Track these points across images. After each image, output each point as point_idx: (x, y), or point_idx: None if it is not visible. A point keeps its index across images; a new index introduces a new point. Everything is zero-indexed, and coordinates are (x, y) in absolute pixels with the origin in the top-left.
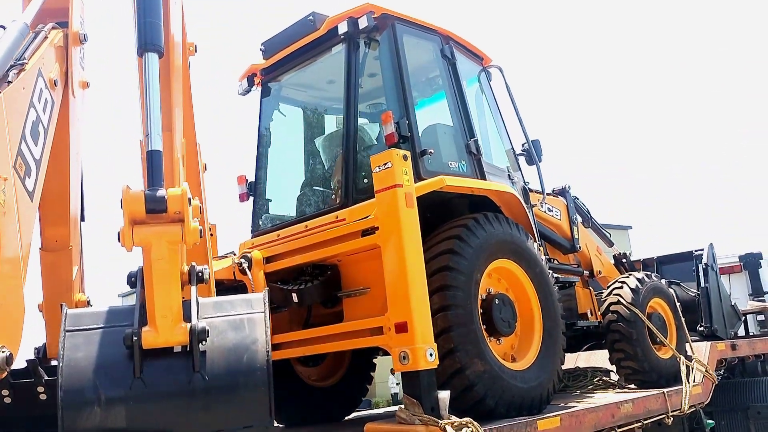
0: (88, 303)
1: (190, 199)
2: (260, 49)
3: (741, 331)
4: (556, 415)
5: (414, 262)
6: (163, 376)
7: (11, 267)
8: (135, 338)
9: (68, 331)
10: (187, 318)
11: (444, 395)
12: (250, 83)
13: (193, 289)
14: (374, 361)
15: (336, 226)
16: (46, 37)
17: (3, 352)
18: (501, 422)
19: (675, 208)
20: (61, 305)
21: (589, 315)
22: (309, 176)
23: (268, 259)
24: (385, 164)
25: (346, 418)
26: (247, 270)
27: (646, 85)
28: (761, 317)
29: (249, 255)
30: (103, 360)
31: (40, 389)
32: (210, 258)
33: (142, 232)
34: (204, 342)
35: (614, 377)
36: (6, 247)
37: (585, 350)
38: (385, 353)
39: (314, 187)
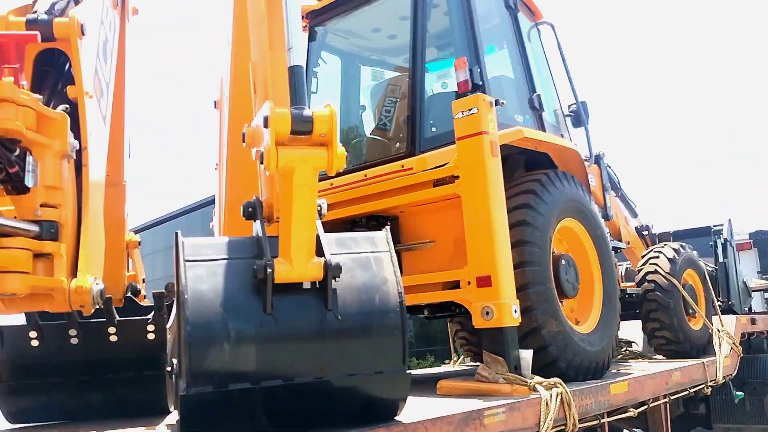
0: (139, 243)
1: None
2: None
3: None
4: (624, 380)
5: (498, 213)
6: (294, 314)
7: (97, 197)
8: (269, 270)
9: (188, 261)
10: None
11: (527, 354)
12: None
13: (318, 222)
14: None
15: (402, 176)
16: None
17: (97, 284)
18: (579, 384)
19: (670, 184)
20: (176, 233)
21: None
22: (361, 125)
23: None
24: (470, 110)
25: None
26: None
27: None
28: None
29: None
30: (230, 293)
31: (111, 330)
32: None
33: (288, 154)
34: (336, 279)
35: (636, 348)
36: (93, 175)
37: None
38: (432, 312)
39: (370, 136)
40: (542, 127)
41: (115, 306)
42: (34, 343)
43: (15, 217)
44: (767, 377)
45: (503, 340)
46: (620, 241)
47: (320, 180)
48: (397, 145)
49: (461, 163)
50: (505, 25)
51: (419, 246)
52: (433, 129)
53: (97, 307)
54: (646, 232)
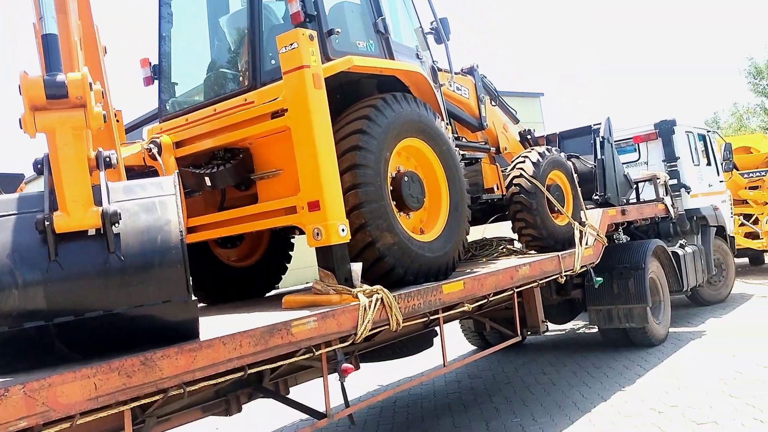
0: None
1: (91, 84)
2: None
3: (634, 198)
4: (459, 280)
5: (324, 142)
6: (78, 258)
7: None
8: (47, 223)
9: None
10: (99, 203)
11: (356, 267)
12: None
13: (102, 174)
14: (292, 241)
15: (245, 109)
16: None
17: None
18: (409, 288)
19: (589, 76)
20: None
21: (496, 189)
22: (215, 58)
23: (177, 144)
24: (291, 44)
25: (267, 294)
26: (156, 155)
27: None
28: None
29: (158, 140)
30: (17, 245)
31: None
32: (117, 143)
33: (45, 118)
34: (117, 224)
35: (518, 245)
36: None
37: (492, 222)
38: (302, 232)
39: (221, 70)
40: (389, 51)
41: None
42: None
43: None
44: (632, 262)
45: (332, 257)
46: (498, 147)
47: (175, 117)
48: (241, 79)
49: (288, 96)
50: None
51: (269, 175)
52: (273, 61)
53: None
54: (529, 136)
